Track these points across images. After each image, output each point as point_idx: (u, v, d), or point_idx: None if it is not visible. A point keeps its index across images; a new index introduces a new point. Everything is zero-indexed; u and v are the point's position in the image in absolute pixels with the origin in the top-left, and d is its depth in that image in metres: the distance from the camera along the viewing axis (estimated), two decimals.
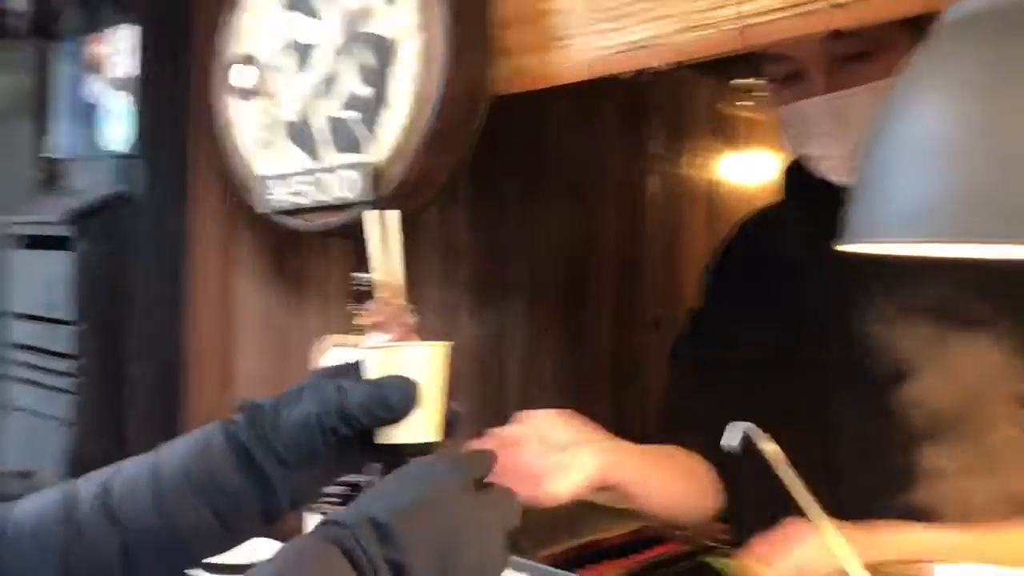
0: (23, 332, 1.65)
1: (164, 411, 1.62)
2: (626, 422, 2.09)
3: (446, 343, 0.77)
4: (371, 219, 0.83)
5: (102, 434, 1.57)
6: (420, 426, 0.74)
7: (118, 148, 1.58)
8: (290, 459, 0.72)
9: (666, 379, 1.28)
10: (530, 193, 1.95)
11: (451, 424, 0.77)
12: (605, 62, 1.08)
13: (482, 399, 1.87)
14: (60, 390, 1.56)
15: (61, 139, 1.72)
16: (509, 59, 1.21)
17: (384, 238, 0.82)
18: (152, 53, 1.54)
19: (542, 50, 1.16)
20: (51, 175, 1.74)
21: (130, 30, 1.55)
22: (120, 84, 1.58)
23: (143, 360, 1.59)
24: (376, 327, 0.80)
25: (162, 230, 1.59)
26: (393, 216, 0.84)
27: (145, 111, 1.55)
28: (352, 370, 0.76)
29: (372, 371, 0.75)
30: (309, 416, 0.72)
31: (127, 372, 1.58)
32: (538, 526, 1.44)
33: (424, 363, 0.75)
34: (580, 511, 1.64)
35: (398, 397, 0.72)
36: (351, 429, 0.72)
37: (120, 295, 1.56)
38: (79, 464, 1.53)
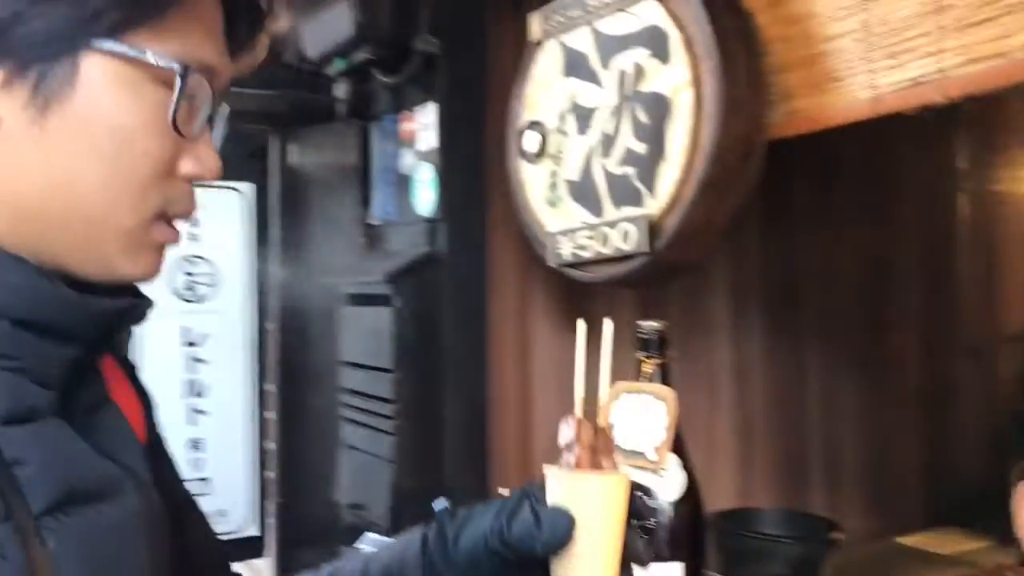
0: (353, 379, 1.88)
1: (473, 450, 1.76)
2: (938, 455, 1.96)
3: (623, 475, 0.71)
4: (580, 329, 0.77)
5: (420, 471, 1.74)
6: (588, 562, 0.69)
7: (426, 212, 1.76)
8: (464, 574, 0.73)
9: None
10: (824, 220, 1.89)
11: (632, 560, 0.71)
12: (885, 100, 1.05)
13: (779, 434, 1.83)
14: (383, 431, 1.75)
15: (380, 207, 1.95)
16: (785, 103, 1.21)
17: (590, 351, 0.76)
18: (452, 126, 1.71)
19: (818, 92, 1.15)
20: (372, 239, 1.97)
21: (433, 107, 1.73)
22: (426, 155, 1.76)
23: (454, 404, 1.75)
24: (568, 447, 0.73)
25: (465, 284, 1.74)
26: (607, 328, 0.77)
27: (447, 178, 1.72)
28: (537, 490, 0.73)
29: (550, 495, 0.71)
30: (480, 536, 0.72)
31: (441, 415, 1.74)
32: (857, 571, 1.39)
33: (597, 495, 0.70)
34: (896, 556, 1.56)
35: (550, 532, 0.69)
36: (513, 555, 0.71)
37: (432, 345, 1.73)
38: (401, 498, 1.71)
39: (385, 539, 1.57)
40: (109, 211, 0.59)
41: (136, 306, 0.64)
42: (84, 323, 0.60)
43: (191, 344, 2.09)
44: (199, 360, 2.10)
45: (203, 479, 2.10)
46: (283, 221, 2.22)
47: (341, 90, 1.90)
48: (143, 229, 0.61)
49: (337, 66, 1.80)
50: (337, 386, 2.03)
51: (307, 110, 2.17)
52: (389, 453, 1.73)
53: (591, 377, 0.77)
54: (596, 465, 0.73)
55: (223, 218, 2.12)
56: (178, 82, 0.59)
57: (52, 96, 0.57)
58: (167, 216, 0.62)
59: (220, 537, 0.84)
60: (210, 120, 0.64)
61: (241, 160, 2.19)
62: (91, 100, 0.57)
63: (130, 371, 0.74)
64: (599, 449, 0.73)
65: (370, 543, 1.54)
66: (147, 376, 2.03)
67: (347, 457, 1.91)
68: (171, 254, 1.96)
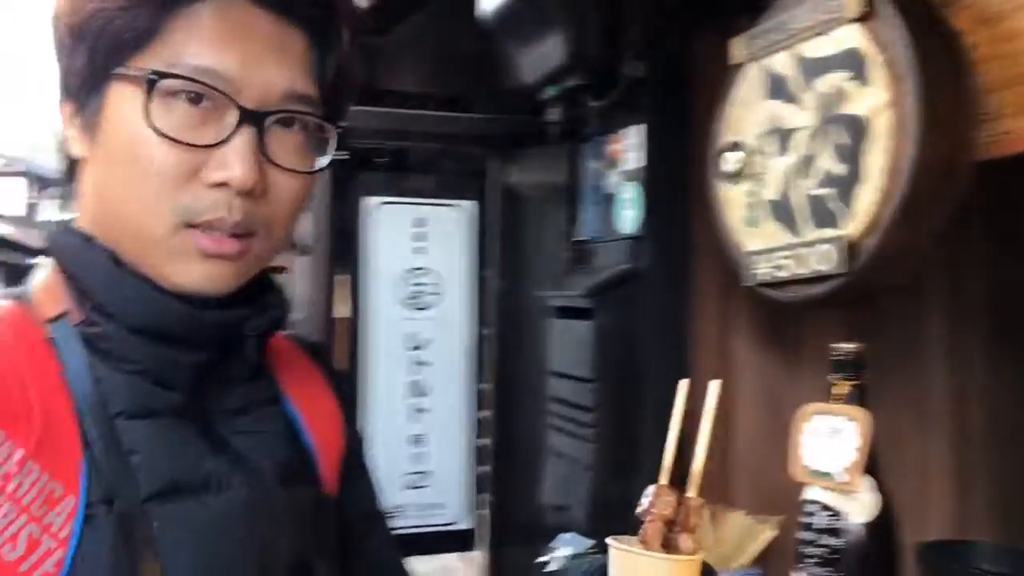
0: (558, 387, 1.98)
1: (674, 461, 1.80)
2: None
3: (694, 559, 0.66)
4: (681, 389, 0.72)
5: (618, 480, 1.80)
6: None
7: (629, 230, 1.83)
8: None
9: None
10: None
11: None
12: None
13: (1002, 463, 1.73)
14: (584, 439, 1.83)
15: (587, 224, 2.04)
16: (997, 123, 1.18)
17: (686, 414, 0.69)
18: (656, 147, 1.77)
19: None
20: (579, 255, 2.07)
21: (639, 129, 1.80)
22: (631, 175, 1.84)
23: (653, 416, 1.80)
24: (651, 518, 0.67)
25: (667, 300, 1.79)
26: (712, 388, 0.70)
27: (651, 197, 1.78)
28: (602, 570, 0.72)
29: (611, 570, 0.69)
30: None
31: (639, 427, 1.80)
32: None
33: None
34: None
35: None
36: None
37: (632, 358, 1.79)
38: (600, 505, 1.78)
39: (581, 538, 1.66)
40: (140, 221, 0.64)
41: (248, 317, 0.67)
42: (196, 333, 0.65)
43: (416, 348, 2.28)
44: (422, 363, 2.29)
45: (423, 472, 2.28)
46: (500, 236, 2.37)
47: (553, 114, 2.01)
48: (176, 237, 0.64)
49: (550, 92, 1.91)
50: (545, 393, 2.14)
51: (522, 133, 2.31)
52: (589, 460, 1.82)
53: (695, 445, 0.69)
54: (669, 542, 0.67)
55: (447, 233, 2.30)
56: (145, 85, 0.63)
57: (94, 122, 0.66)
58: (198, 224, 0.64)
59: (402, 559, 0.86)
60: (260, 126, 0.64)
61: (464, 179, 2.36)
62: (111, 121, 0.65)
63: (335, 380, 0.81)
64: (679, 523, 0.68)
65: (563, 543, 1.62)
66: (375, 377, 2.25)
67: (552, 461, 2.01)
68: (399, 265, 2.16)
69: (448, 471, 2.28)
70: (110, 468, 0.62)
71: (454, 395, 2.30)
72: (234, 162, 0.63)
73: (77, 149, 0.68)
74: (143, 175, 0.63)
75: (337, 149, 2.28)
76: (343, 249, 2.25)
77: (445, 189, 2.32)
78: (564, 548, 1.62)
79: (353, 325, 2.23)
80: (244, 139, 0.63)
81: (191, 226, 0.64)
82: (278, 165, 0.66)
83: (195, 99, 0.64)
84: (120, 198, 0.65)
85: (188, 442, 0.66)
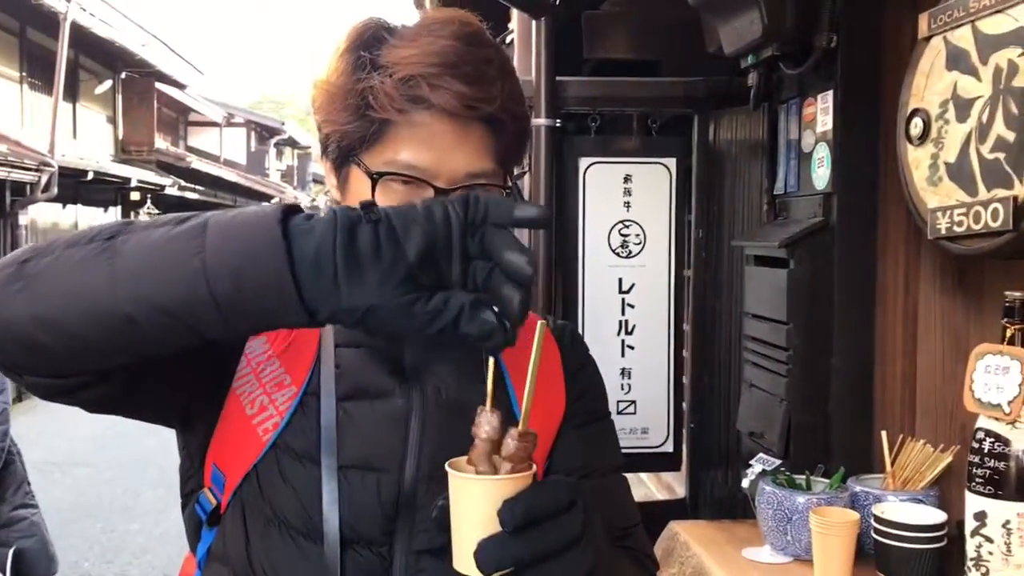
0: (753, 327, 2.20)
1: (860, 395, 2.00)
2: None
3: (488, 480, 0.70)
4: (539, 329, 0.73)
5: (809, 410, 2.02)
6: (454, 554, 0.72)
7: (822, 187, 2.01)
8: None
9: None
10: None
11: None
12: None
13: None
14: (779, 374, 2.06)
15: (782, 180, 2.23)
16: None
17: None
18: (847, 111, 1.94)
19: None
20: (775, 208, 2.26)
21: (832, 94, 1.97)
22: (823, 136, 2.01)
23: (841, 354, 2.00)
24: (477, 441, 0.73)
25: (855, 251, 1.97)
26: (539, 329, 0.73)
27: (842, 156, 1.95)
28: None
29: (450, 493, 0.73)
30: None
31: (829, 363, 2.00)
32: None
33: (455, 492, 0.71)
34: None
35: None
36: None
37: (822, 302, 1.99)
38: (793, 430, 2.01)
39: (774, 460, 1.90)
40: None
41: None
42: None
43: (623, 291, 2.56)
44: (629, 305, 2.57)
45: (631, 401, 2.58)
46: (700, 190, 2.59)
47: (752, 79, 2.20)
48: None
49: (749, 60, 2.10)
50: (740, 332, 2.36)
51: (723, 95, 2.50)
52: (783, 392, 2.04)
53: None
54: (498, 467, 0.71)
55: (651, 188, 2.53)
56: (370, 182, 0.90)
57: (343, 186, 0.97)
58: None
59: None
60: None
61: (666, 139, 2.59)
62: (352, 191, 0.95)
63: (565, 355, 1.03)
64: (501, 450, 0.72)
65: (761, 462, 1.87)
66: (590, 317, 2.59)
67: (747, 393, 2.25)
68: (609, 219, 2.48)
69: (651, 400, 2.56)
70: (325, 374, 0.92)
71: (656, 332, 2.56)
72: None
73: (335, 195, 1.00)
74: None
75: (550, 118, 2.57)
76: (561, 206, 2.54)
77: (649, 149, 2.54)
78: (757, 466, 1.86)
79: (571, 272, 2.53)
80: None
81: None
82: None
83: (405, 182, 0.91)
84: None
85: (377, 365, 0.94)
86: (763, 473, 1.84)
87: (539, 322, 0.73)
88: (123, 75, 16.29)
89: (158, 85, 17.02)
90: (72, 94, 14.12)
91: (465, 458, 0.73)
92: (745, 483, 1.86)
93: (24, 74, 12.75)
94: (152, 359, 0.75)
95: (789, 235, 2.01)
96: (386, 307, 0.65)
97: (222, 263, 0.66)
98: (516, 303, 0.65)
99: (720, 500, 2.55)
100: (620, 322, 2.54)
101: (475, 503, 0.70)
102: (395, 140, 0.91)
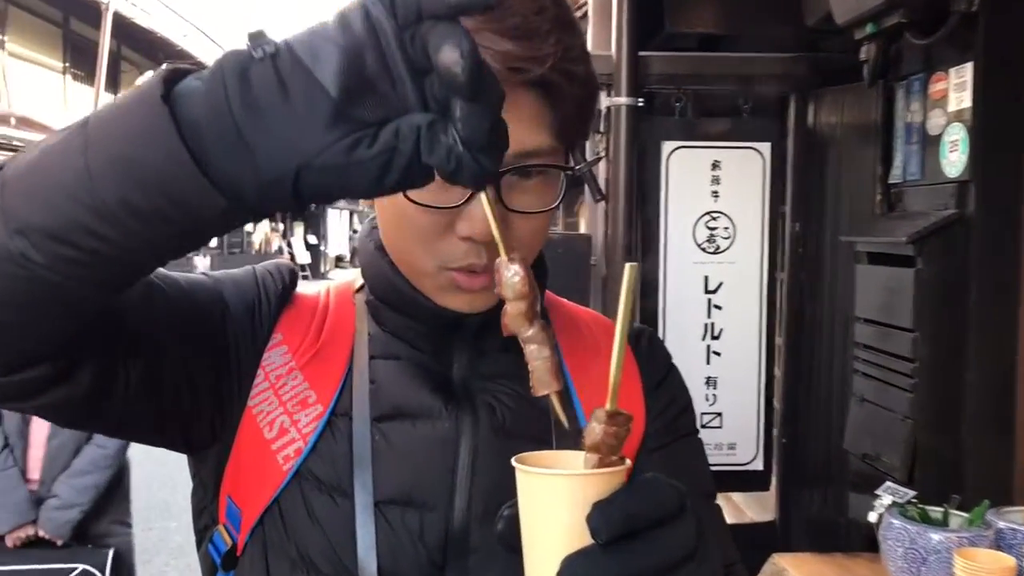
0: (866, 334, 1.95)
1: (999, 415, 1.74)
2: None
3: (574, 476, 0.56)
4: (628, 274, 0.58)
5: (939, 430, 1.77)
6: (526, 561, 0.59)
7: (955, 174, 1.75)
8: None
9: None
10: None
11: None
12: None
13: None
14: (901, 388, 1.80)
15: (901, 167, 1.97)
16: None
17: None
18: (987, 87, 1.67)
19: None
20: (888, 199, 2.00)
21: (969, 67, 1.71)
22: (957, 116, 1.75)
23: (978, 367, 1.74)
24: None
25: (996, 248, 1.71)
26: (628, 270, 0.58)
27: (980, 139, 1.69)
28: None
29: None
30: None
31: (963, 377, 1.75)
32: None
33: (525, 492, 0.58)
34: None
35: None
36: None
37: (956, 307, 1.74)
38: (919, 454, 1.76)
39: (903, 490, 1.65)
40: (410, 260, 0.77)
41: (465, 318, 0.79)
42: (432, 319, 0.79)
43: (710, 291, 2.31)
44: (716, 306, 2.32)
45: (716, 413, 2.33)
46: (798, 178, 2.33)
47: (866, 52, 1.94)
48: (439, 276, 0.75)
49: (868, 30, 1.85)
50: (847, 339, 2.11)
51: (827, 71, 2.24)
52: (906, 409, 1.79)
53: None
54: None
55: (742, 176, 2.28)
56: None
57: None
58: (456, 268, 0.74)
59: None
60: (496, 184, 0.72)
61: (759, 121, 2.33)
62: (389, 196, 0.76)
63: (644, 366, 0.88)
64: (595, 435, 0.59)
65: (889, 492, 1.62)
66: (672, 320, 2.31)
67: (857, 407, 1.99)
68: (694, 210, 2.21)
69: (739, 412, 2.32)
70: (357, 391, 0.80)
71: (746, 339, 2.32)
72: (476, 219, 0.71)
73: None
74: (407, 232, 0.76)
75: (631, 96, 2.28)
76: (641, 194, 2.30)
77: (740, 132, 2.30)
78: (886, 497, 1.62)
79: (651, 269, 2.29)
80: (484, 197, 0.71)
81: (449, 268, 0.75)
82: (517, 211, 0.75)
83: None
84: (394, 241, 0.79)
85: (419, 381, 0.81)
86: (893, 505, 1.60)
87: (627, 265, 0.58)
88: (164, 65, 16.35)
89: None
90: (114, 84, 14.20)
91: (536, 453, 0.59)
92: (872, 516, 1.62)
93: (67, 64, 12.86)
94: (96, 333, 0.65)
95: (917, 230, 1.75)
96: (320, 162, 0.51)
97: (105, 156, 0.53)
98: (466, 120, 0.51)
99: (816, 524, 2.31)
100: (706, 325, 2.30)
101: (556, 508, 0.55)
102: None
